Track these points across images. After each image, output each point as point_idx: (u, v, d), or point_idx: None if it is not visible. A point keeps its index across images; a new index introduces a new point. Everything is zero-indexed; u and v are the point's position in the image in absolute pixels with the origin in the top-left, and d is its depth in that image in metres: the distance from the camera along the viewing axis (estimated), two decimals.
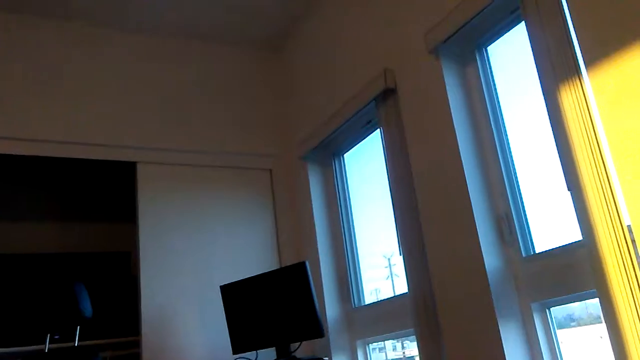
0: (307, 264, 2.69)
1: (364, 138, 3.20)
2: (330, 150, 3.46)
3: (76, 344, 2.69)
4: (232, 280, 3.24)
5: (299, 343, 2.74)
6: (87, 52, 3.32)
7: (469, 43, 2.44)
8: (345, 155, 3.41)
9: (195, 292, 3.17)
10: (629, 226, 1.67)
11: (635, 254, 1.63)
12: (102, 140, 3.19)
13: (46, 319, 2.51)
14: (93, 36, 3.37)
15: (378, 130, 3.03)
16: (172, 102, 3.48)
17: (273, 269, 2.82)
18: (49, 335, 2.70)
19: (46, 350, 2.54)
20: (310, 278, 2.66)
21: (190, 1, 3.30)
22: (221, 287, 2.94)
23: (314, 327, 2.60)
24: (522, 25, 2.23)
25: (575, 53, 1.82)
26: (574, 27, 1.83)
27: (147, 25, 3.46)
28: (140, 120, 3.34)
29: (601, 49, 1.74)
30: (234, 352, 2.87)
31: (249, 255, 3.40)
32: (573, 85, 1.80)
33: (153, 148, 3.31)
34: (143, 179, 3.22)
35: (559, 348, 2.05)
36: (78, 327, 2.60)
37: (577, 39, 1.82)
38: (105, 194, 4.71)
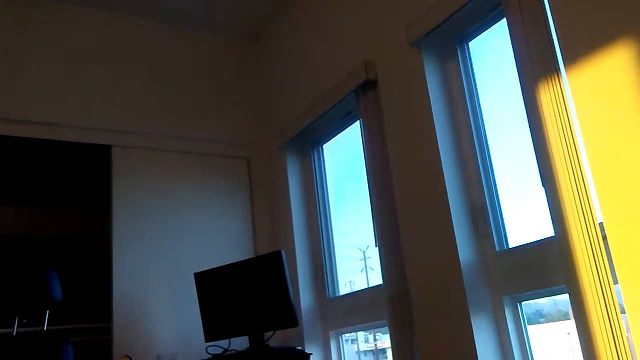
0: (283, 253, 2.68)
1: (344, 129, 3.19)
2: (309, 141, 3.45)
3: (45, 329, 2.64)
4: (207, 268, 3.22)
5: (272, 332, 2.73)
6: (62, 30, 3.25)
7: (451, 38, 2.45)
8: (324, 146, 3.40)
9: (169, 279, 3.14)
10: (600, 223, 1.70)
11: (606, 251, 1.66)
12: (76, 122, 3.12)
13: (15, 302, 2.47)
14: (68, 15, 3.29)
15: (358, 121, 3.03)
16: (151, 86, 3.42)
17: (248, 258, 2.80)
18: (17, 318, 2.65)
19: (14, 334, 2.50)
20: (286, 267, 2.66)
21: None
22: (195, 274, 2.92)
23: (288, 317, 2.60)
24: (503, 22, 2.24)
25: (555, 51, 1.84)
26: (554, 25, 1.85)
27: (127, 7, 3.40)
28: (116, 102, 3.28)
29: (580, 48, 1.76)
30: (207, 340, 2.85)
31: (224, 243, 3.38)
32: (551, 82, 1.82)
33: (129, 132, 3.25)
34: (118, 162, 3.17)
35: (528, 341, 2.08)
36: (47, 311, 2.56)
37: (557, 37, 1.83)
38: (79, 177, 4.63)
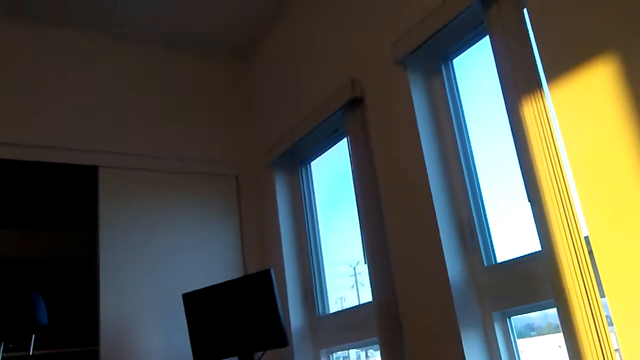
0: (272, 271, 2.67)
1: (331, 146, 3.20)
2: (297, 158, 3.46)
3: (30, 354, 2.60)
4: (195, 288, 3.19)
5: (262, 352, 2.71)
6: (47, 52, 3.24)
7: (436, 55, 2.48)
8: (312, 163, 3.41)
9: (157, 300, 3.11)
10: (586, 237, 1.71)
11: (592, 264, 1.67)
12: (62, 143, 3.11)
13: (0, 326, 2.43)
14: (54, 37, 3.29)
15: (345, 139, 3.04)
16: (137, 106, 3.42)
17: (237, 277, 2.79)
18: (2, 343, 2.60)
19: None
20: (275, 286, 2.64)
21: (156, 7, 3.26)
22: (184, 295, 2.89)
23: (278, 336, 2.58)
24: (486, 40, 2.27)
25: (537, 68, 1.87)
26: (536, 43, 1.88)
27: (111, 29, 3.40)
28: (103, 123, 3.27)
29: (562, 64, 1.78)
30: None
31: (213, 263, 3.36)
32: (535, 98, 1.85)
33: (116, 152, 3.24)
34: (105, 183, 3.15)
35: (518, 357, 2.08)
36: (33, 335, 2.52)
37: (539, 54, 1.86)
38: (65, 199, 4.59)
